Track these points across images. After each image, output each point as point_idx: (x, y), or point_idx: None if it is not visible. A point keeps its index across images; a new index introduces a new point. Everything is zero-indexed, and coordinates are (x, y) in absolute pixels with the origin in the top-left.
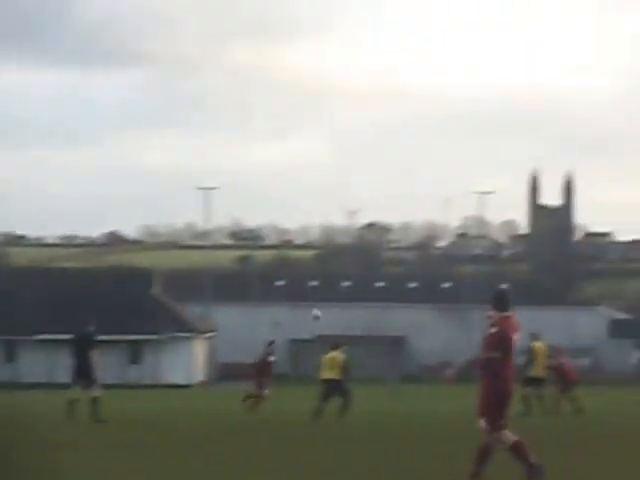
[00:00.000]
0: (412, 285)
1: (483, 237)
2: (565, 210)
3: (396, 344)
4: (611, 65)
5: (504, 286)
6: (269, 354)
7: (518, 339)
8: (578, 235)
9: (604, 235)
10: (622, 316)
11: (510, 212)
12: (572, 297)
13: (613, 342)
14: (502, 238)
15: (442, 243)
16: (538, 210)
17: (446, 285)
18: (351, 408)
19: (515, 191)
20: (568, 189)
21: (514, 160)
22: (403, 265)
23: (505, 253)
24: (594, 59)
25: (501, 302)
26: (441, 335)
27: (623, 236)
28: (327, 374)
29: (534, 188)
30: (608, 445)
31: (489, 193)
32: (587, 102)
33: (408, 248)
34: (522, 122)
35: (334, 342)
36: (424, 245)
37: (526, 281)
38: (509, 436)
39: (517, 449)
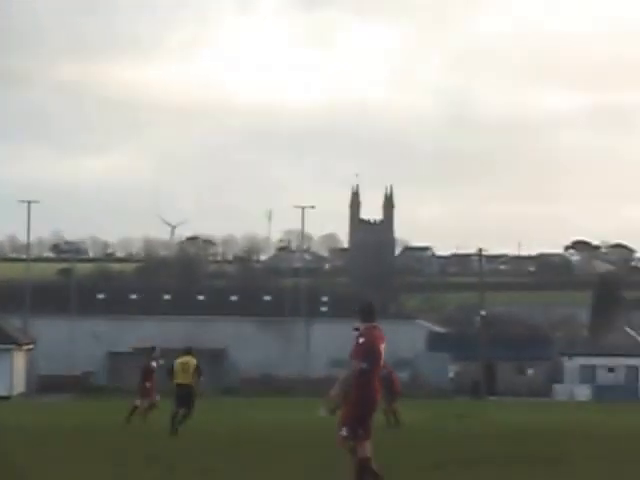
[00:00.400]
0: (233, 298)
1: (304, 251)
2: (385, 224)
3: (216, 357)
4: (425, 81)
5: (369, 299)
6: (152, 360)
7: (384, 349)
8: (398, 249)
9: (423, 249)
10: (440, 329)
11: (331, 226)
12: (392, 310)
13: (431, 355)
14: (323, 252)
15: (263, 256)
16: (359, 224)
17: (267, 298)
18: (189, 419)
19: (336, 205)
20: (388, 204)
21: (335, 175)
22: (225, 278)
23: (326, 266)
24: (413, 75)
25: (367, 313)
26: (262, 348)
27: (442, 251)
28: (180, 379)
29: (355, 202)
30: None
31: (310, 207)
32: (407, 118)
33: (230, 261)
34: (344, 137)
35: (186, 347)
36: (245, 258)
37: (346, 294)
38: (366, 449)
39: (364, 465)
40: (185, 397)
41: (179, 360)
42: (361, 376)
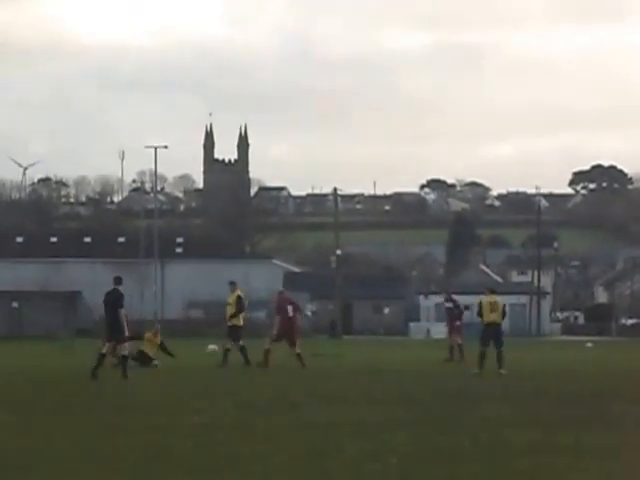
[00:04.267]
0: (87, 240)
1: (158, 192)
2: (240, 164)
3: (71, 299)
4: (269, 21)
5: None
6: None
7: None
8: (253, 189)
9: (279, 189)
10: (296, 269)
11: (185, 167)
12: (248, 250)
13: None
14: (178, 192)
15: (117, 198)
16: (213, 164)
17: (121, 240)
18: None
19: (190, 145)
20: (243, 144)
21: (189, 115)
22: (78, 220)
23: (181, 207)
24: (257, 14)
25: None
26: None
27: (297, 190)
28: None
29: (209, 142)
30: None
31: (163, 147)
32: (259, 59)
33: (83, 203)
34: (195, 77)
35: None
36: (99, 200)
37: (202, 235)
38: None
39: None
40: None
41: None
42: None
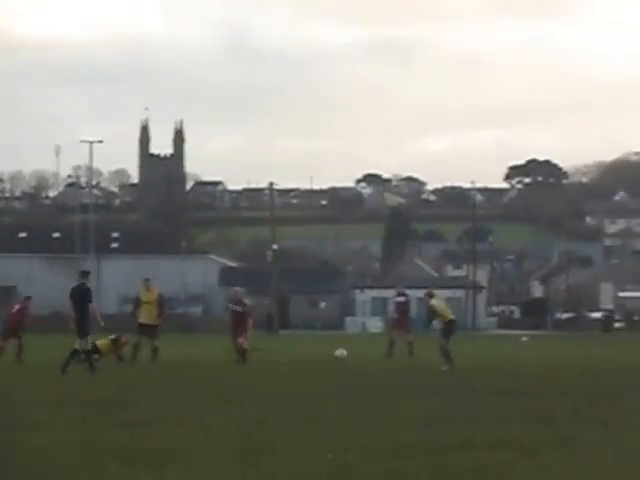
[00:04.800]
0: (22, 235)
1: (93, 186)
2: (175, 159)
3: (6, 294)
4: (203, 15)
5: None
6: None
7: None
8: (189, 184)
9: (215, 184)
10: (232, 264)
11: (121, 161)
12: (183, 245)
13: (223, 290)
14: (113, 187)
15: (52, 193)
16: (149, 159)
17: (57, 235)
18: None
19: (126, 140)
20: (178, 138)
21: (124, 109)
22: (13, 215)
23: (116, 202)
24: (190, 7)
25: None
26: (52, 285)
27: (233, 185)
28: None
29: (145, 137)
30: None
31: (98, 142)
32: (194, 53)
33: (18, 197)
34: (132, 72)
35: None
36: (34, 194)
37: (137, 230)
38: None
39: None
40: None
41: None
42: None
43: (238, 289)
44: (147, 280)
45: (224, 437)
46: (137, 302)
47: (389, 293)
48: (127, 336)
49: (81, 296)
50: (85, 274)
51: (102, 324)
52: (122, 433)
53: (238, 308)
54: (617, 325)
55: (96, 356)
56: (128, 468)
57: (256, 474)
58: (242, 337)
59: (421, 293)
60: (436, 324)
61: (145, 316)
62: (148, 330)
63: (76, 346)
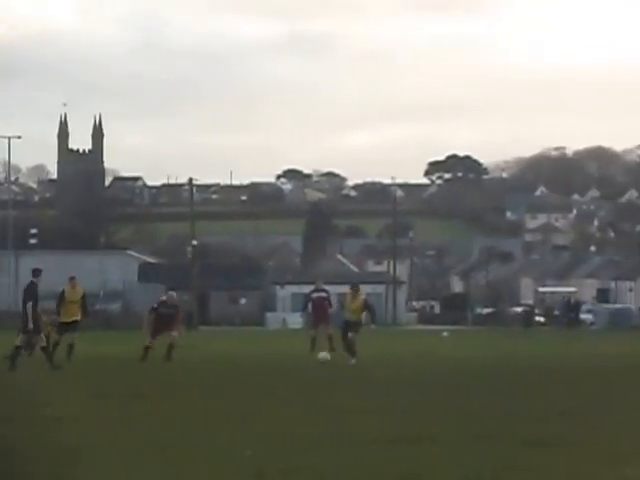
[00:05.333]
0: None
1: (12, 182)
2: (94, 154)
3: None
4: (115, 10)
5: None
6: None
7: None
8: (108, 179)
9: (134, 179)
10: (152, 260)
11: (39, 157)
12: (102, 241)
13: (143, 286)
14: (32, 183)
15: None
16: (67, 154)
17: None
18: None
19: (44, 136)
20: (97, 134)
21: (43, 105)
22: None
23: (35, 198)
24: (101, 2)
25: None
26: None
27: (152, 181)
28: None
29: (63, 132)
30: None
31: (17, 137)
32: (111, 48)
33: None
34: (51, 67)
35: None
36: None
37: (56, 226)
38: None
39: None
40: None
41: None
42: None
43: (173, 294)
44: (72, 278)
45: (129, 432)
46: (61, 299)
47: (310, 289)
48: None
49: (23, 294)
50: (35, 272)
51: (30, 326)
52: (31, 430)
53: (172, 310)
54: (538, 320)
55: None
56: (31, 465)
57: (166, 470)
58: (176, 331)
59: (343, 289)
60: (364, 317)
61: (68, 315)
62: (70, 326)
63: (17, 342)
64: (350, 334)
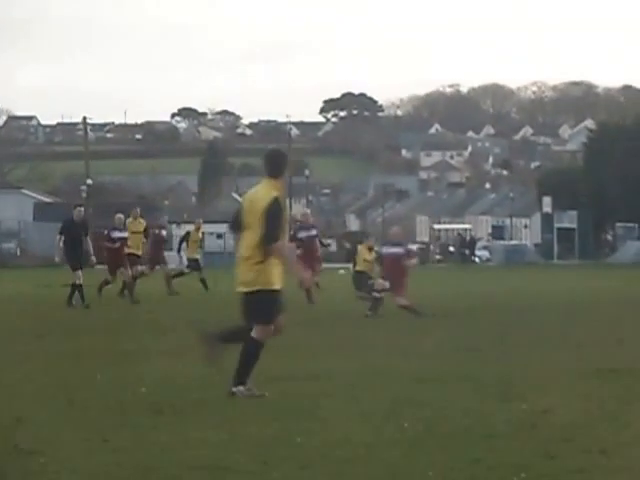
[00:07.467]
0: None
1: None
2: None
3: None
4: None
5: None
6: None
7: None
8: (2, 119)
9: (28, 118)
10: (47, 199)
11: None
12: None
13: (38, 225)
14: None
15: None
16: None
17: None
18: None
19: None
20: None
21: None
22: None
23: None
24: None
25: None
26: None
27: (47, 120)
28: None
29: None
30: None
31: None
32: None
33: None
34: None
35: None
36: None
37: None
38: None
39: None
40: None
41: None
42: None
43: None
44: None
45: (30, 371)
46: None
47: (206, 228)
48: None
49: None
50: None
51: None
52: None
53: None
54: (437, 257)
55: None
56: None
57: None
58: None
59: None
60: None
61: None
62: None
63: None
64: None
